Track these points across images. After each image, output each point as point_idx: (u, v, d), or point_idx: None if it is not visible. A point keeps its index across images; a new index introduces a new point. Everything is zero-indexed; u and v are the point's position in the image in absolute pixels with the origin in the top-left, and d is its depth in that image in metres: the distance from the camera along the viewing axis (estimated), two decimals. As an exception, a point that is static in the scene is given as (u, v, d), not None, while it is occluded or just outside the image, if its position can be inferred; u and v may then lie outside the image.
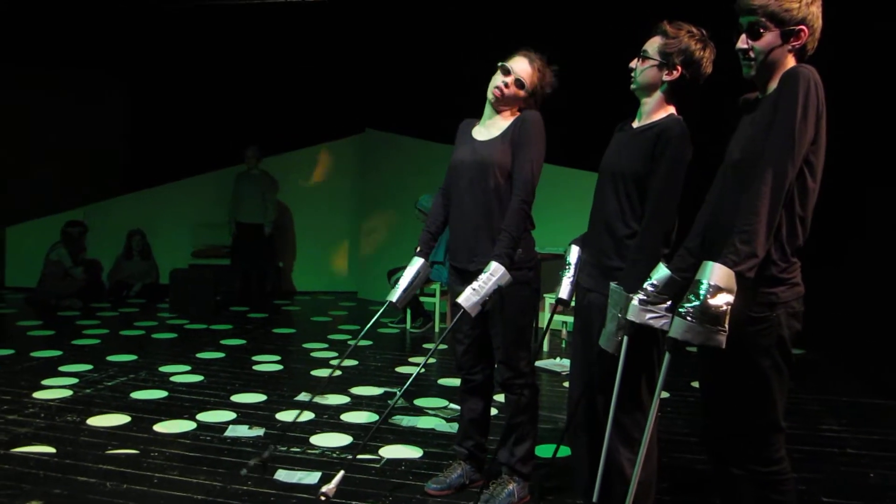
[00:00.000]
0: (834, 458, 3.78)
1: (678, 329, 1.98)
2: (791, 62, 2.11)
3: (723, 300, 1.93)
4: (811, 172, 2.05)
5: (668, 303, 2.30)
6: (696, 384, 4.84)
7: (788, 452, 2.20)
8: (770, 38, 2.09)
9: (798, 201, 2.05)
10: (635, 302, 2.32)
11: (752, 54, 2.13)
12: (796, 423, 4.12)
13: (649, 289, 2.31)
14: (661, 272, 2.33)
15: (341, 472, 2.95)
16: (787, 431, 2.20)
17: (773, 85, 2.13)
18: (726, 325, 1.95)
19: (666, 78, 2.53)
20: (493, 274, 2.78)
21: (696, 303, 1.95)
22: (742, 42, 2.15)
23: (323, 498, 2.88)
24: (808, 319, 2.18)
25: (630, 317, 2.33)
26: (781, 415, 2.15)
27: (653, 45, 2.53)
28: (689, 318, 1.96)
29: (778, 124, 2.00)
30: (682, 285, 2.27)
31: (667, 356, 2.12)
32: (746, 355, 2.09)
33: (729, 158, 2.23)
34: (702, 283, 1.96)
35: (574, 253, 2.79)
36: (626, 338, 2.41)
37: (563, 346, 6.30)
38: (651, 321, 2.31)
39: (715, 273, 1.95)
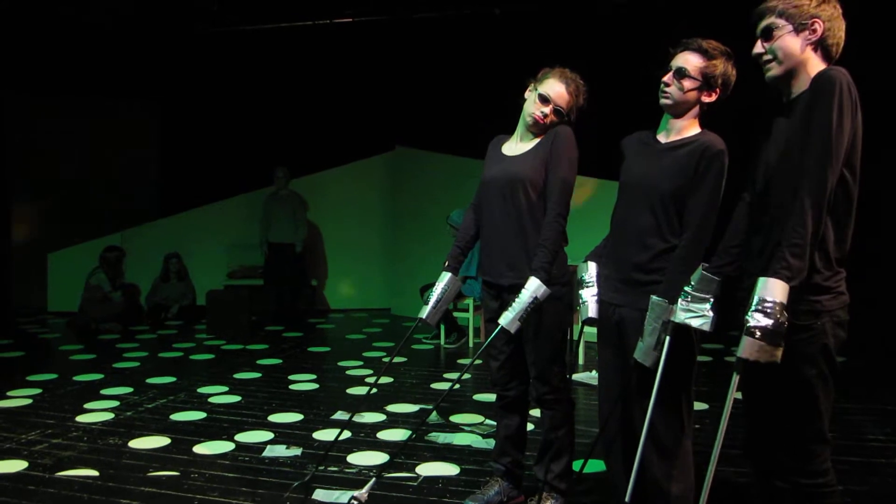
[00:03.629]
0: (880, 468, 3.68)
1: (751, 349, 1.96)
2: (815, 61, 2.11)
3: (784, 317, 1.94)
4: (852, 174, 2.04)
5: (710, 303, 2.32)
6: (736, 395, 4.77)
7: (833, 464, 2.16)
8: (782, 33, 2.12)
9: (842, 206, 2.05)
10: (677, 302, 2.36)
11: (768, 55, 2.16)
12: (840, 433, 4.03)
13: (688, 288, 2.36)
14: (698, 272, 2.37)
15: (373, 479, 2.96)
16: (832, 442, 2.16)
17: (799, 86, 2.13)
18: (783, 341, 1.95)
19: (705, 99, 2.55)
20: (528, 288, 2.78)
21: (770, 321, 1.93)
22: (758, 47, 2.18)
23: (354, 503, 2.89)
24: (850, 326, 2.15)
25: (671, 317, 2.37)
26: (827, 426, 2.12)
27: (691, 63, 2.50)
28: (758, 337, 1.94)
29: (814, 132, 1.99)
30: (718, 283, 2.33)
31: (734, 377, 2.09)
32: (791, 365, 2.06)
33: (764, 164, 2.21)
34: (770, 302, 1.94)
35: (592, 269, 2.77)
36: (664, 351, 2.39)
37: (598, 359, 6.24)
38: (690, 321, 2.34)
39: (777, 290, 1.94)
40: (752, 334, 1.95)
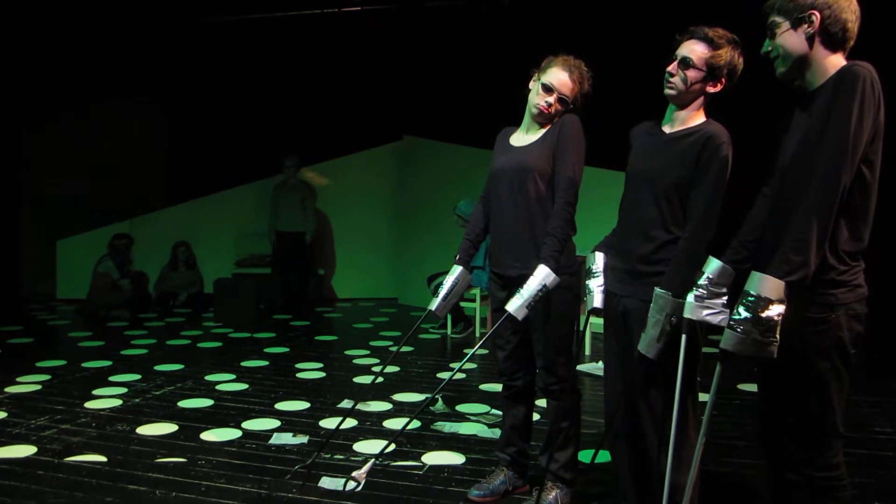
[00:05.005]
0: (888, 461, 3.67)
1: (730, 342, 1.98)
2: (823, 53, 2.08)
3: (775, 311, 1.92)
4: (870, 170, 2.01)
5: (725, 298, 2.27)
6: (742, 387, 4.77)
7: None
8: (782, 31, 2.11)
9: (858, 202, 2.02)
10: (690, 299, 2.30)
11: (773, 53, 2.15)
12: (848, 426, 3.96)
13: (704, 282, 2.28)
14: (714, 264, 2.30)
15: (372, 460, 2.97)
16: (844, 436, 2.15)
17: (814, 77, 2.10)
18: (778, 336, 1.93)
19: (710, 89, 2.51)
20: (537, 276, 2.78)
21: (748, 315, 1.94)
22: (765, 45, 2.18)
23: (353, 483, 2.91)
24: (867, 318, 2.12)
25: (687, 314, 2.31)
26: (840, 420, 2.11)
27: (696, 53, 2.46)
28: (740, 331, 1.95)
29: (832, 129, 1.95)
30: (735, 277, 2.28)
31: (717, 367, 2.10)
32: (804, 357, 2.05)
33: (783, 157, 2.19)
34: (753, 296, 1.95)
35: (600, 260, 2.76)
36: (682, 350, 2.37)
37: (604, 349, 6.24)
38: (708, 318, 2.28)
39: (765, 285, 1.94)
40: (731, 327, 1.98)
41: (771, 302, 1.92)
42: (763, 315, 1.92)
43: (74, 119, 9.38)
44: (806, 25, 2.07)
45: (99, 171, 9.39)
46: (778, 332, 1.93)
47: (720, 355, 2.05)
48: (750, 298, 1.95)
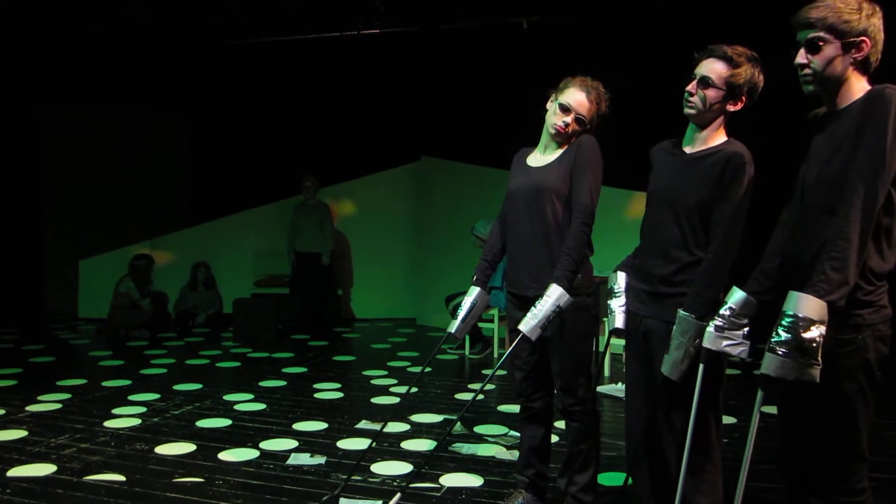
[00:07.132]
0: (915, 486, 3.60)
1: (771, 365, 1.92)
2: (856, 77, 2.06)
3: (817, 332, 1.88)
4: None
5: (746, 329, 2.24)
6: (764, 409, 4.69)
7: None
8: (830, 50, 2.04)
9: (884, 222, 1.99)
10: (711, 329, 2.26)
11: (811, 69, 2.07)
12: (871, 449, 3.94)
13: (726, 313, 2.24)
14: (737, 294, 2.26)
15: (398, 495, 2.95)
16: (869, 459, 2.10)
17: (842, 100, 2.07)
18: (819, 358, 1.88)
19: (730, 108, 2.49)
20: (550, 295, 2.76)
21: (789, 336, 1.89)
22: (801, 57, 2.08)
23: None
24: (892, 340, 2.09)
25: (706, 344, 2.27)
26: (866, 443, 2.07)
27: (715, 72, 2.44)
28: (781, 353, 1.90)
29: (866, 148, 1.94)
30: (758, 308, 2.23)
31: (759, 393, 2.05)
32: (830, 379, 2.00)
33: (805, 179, 2.16)
34: (792, 316, 1.90)
35: (622, 280, 2.74)
36: (699, 378, 2.35)
37: (625, 370, 6.18)
38: (728, 349, 2.25)
39: (805, 305, 1.89)
40: (772, 350, 1.93)
41: (812, 322, 1.87)
42: (805, 336, 1.87)
43: (96, 139, 9.51)
44: (854, 51, 2.03)
45: (120, 192, 9.52)
46: (819, 355, 1.88)
47: (761, 381, 1.99)
48: (789, 319, 1.90)
